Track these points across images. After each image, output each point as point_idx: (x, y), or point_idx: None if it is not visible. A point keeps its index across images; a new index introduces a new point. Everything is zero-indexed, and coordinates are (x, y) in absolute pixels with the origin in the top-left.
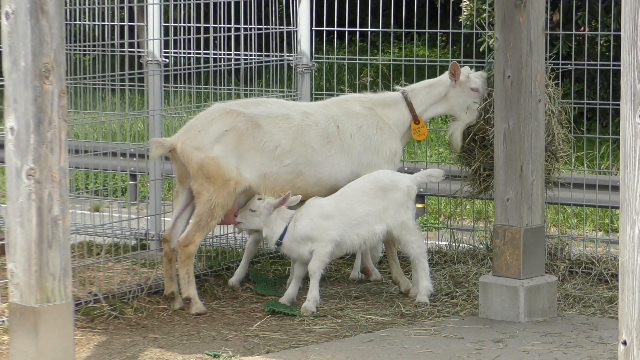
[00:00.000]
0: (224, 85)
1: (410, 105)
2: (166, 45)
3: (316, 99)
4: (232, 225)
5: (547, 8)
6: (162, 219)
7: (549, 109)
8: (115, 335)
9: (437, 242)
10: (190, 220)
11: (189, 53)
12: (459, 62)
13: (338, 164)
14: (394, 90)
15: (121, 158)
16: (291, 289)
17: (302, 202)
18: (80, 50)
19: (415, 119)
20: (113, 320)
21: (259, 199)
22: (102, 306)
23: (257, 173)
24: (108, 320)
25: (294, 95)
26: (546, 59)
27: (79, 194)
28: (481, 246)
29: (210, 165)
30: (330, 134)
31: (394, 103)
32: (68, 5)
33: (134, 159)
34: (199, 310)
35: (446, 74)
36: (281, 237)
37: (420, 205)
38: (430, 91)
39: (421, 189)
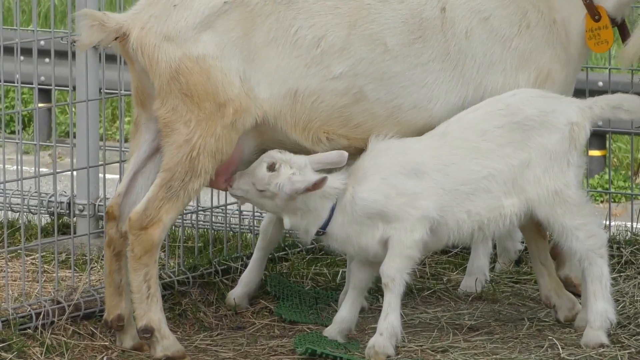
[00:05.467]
0: None
1: None
2: None
3: None
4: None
5: None
6: (101, 175)
7: None
8: None
9: (626, 224)
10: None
11: None
12: None
13: (436, 82)
14: None
15: (22, 58)
16: (346, 311)
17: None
18: None
19: (593, 13)
20: None
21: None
22: None
23: (283, 89)
24: None
25: None
26: None
27: None
28: None
29: (193, 73)
30: (426, 21)
31: None
32: None
33: (47, 59)
34: (170, 352)
35: None
36: (324, 227)
37: (596, 153)
38: None
39: (599, 124)
